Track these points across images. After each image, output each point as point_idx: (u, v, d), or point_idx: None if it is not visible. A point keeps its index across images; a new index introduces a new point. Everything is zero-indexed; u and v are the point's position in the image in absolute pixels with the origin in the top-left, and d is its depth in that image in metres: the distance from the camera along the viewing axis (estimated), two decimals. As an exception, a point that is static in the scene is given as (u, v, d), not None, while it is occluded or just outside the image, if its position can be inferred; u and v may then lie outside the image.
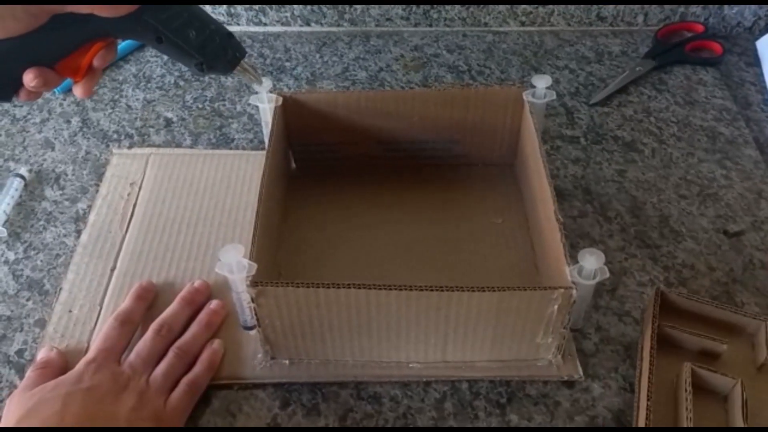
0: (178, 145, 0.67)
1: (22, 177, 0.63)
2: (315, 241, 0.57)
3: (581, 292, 0.44)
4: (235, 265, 0.44)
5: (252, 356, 0.50)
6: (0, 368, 0.50)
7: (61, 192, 0.63)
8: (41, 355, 0.49)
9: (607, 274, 0.44)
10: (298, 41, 0.80)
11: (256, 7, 0.80)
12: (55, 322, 0.52)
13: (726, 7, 0.79)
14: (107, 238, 0.58)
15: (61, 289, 0.54)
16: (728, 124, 0.69)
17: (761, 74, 0.75)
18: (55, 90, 0.73)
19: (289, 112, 0.57)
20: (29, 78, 0.43)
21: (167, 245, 0.57)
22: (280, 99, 0.56)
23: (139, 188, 0.62)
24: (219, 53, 0.46)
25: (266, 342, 0.48)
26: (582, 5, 0.80)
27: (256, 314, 0.45)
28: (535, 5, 0.80)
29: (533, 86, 0.56)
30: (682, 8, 0.80)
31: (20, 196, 0.62)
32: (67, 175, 0.64)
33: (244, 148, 0.67)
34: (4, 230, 0.58)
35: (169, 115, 0.71)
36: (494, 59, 0.78)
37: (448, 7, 0.80)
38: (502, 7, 0.80)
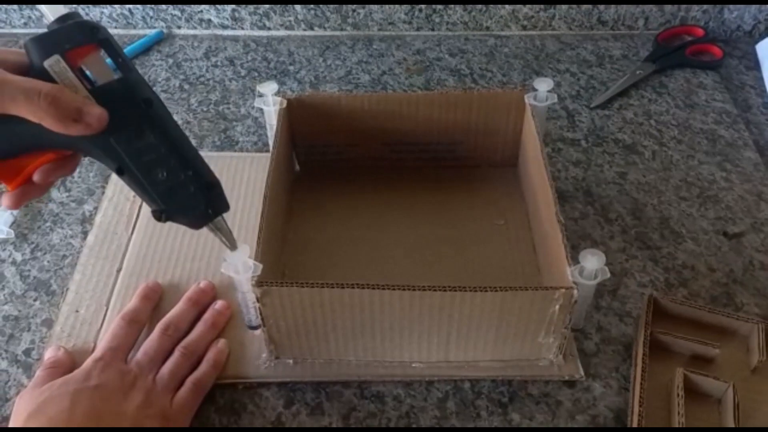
0: (183, 148, 0.67)
1: (29, 179, 0.63)
2: (319, 242, 0.58)
3: (582, 292, 0.44)
4: (240, 265, 0.44)
5: (256, 356, 0.50)
6: (8, 367, 0.51)
7: (67, 194, 0.63)
8: (49, 354, 0.50)
9: (608, 275, 0.44)
10: (301, 45, 0.81)
11: (260, 11, 0.81)
12: (62, 322, 0.53)
13: (726, 11, 0.80)
14: (113, 240, 0.59)
15: (68, 289, 0.55)
16: (728, 127, 0.70)
17: (761, 77, 0.76)
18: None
19: (294, 114, 0.58)
20: None
21: (173, 246, 0.58)
22: (285, 102, 0.56)
23: (145, 190, 0.63)
24: (187, 205, 0.38)
25: (271, 341, 0.48)
26: (583, 9, 0.80)
27: (260, 314, 0.45)
28: (537, 10, 0.80)
29: (535, 89, 0.56)
30: (682, 12, 0.80)
31: (27, 198, 0.62)
32: (73, 177, 0.65)
33: (248, 151, 0.67)
34: (12, 231, 0.59)
35: (174, 118, 0.71)
36: (496, 63, 0.78)
37: (450, 11, 0.80)
38: (503, 12, 0.81)
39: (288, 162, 0.60)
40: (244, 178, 0.64)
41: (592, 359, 0.51)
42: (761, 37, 0.81)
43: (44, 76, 0.35)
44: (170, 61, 0.79)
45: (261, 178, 0.50)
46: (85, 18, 0.36)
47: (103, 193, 0.63)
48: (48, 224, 0.61)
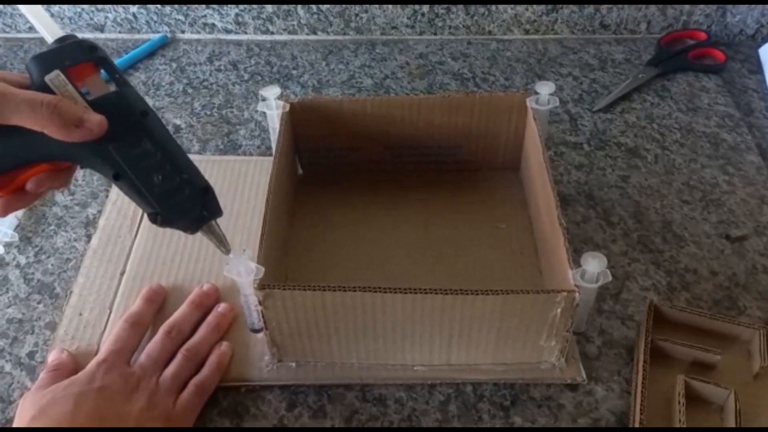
0: (187, 152, 0.67)
1: (34, 182, 0.64)
2: (321, 245, 0.58)
3: (584, 296, 0.44)
4: (243, 268, 0.45)
5: (259, 358, 0.50)
6: (12, 370, 0.51)
7: (71, 197, 0.64)
8: (52, 357, 0.50)
9: (610, 278, 0.44)
10: (304, 49, 0.82)
11: (264, 16, 0.81)
12: (65, 325, 0.53)
13: (729, 14, 0.80)
14: (117, 243, 0.59)
15: (71, 292, 0.55)
16: (731, 131, 0.70)
17: (764, 81, 0.76)
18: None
19: (297, 118, 0.58)
20: None
21: (176, 249, 0.58)
22: (288, 105, 0.57)
23: (149, 193, 0.63)
24: (183, 208, 0.40)
25: (273, 344, 0.48)
26: (586, 13, 0.80)
27: (263, 317, 0.46)
28: (539, 14, 0.80)
29: (537, 93, 0.56)
30: (684, 16, 0.80)
31: (32, 201, 0.63)
32: (77, 180, 0.65)
33: (251, 154, 0.68)
34: (16, 235, 0.59)
35: (178, 121, 0.72)
36: (498, 67, 0.79)
37: (452, 15, 0.81)
38: (506, 15, 0.81)
39: (291, 165, 0.61)
40: (248, 181, 0.64)
41: (594, 362, 0.51)
42: (764, 41, 0.81)
43: (45, 90, 0.37)
44: (174, 65, 0.79)
45: (264, 182, 0.51)
46: (82, 38, 0.39)
47: (107, 196, 0.63)
48: (52, 227, 0.61)
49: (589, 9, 0.80)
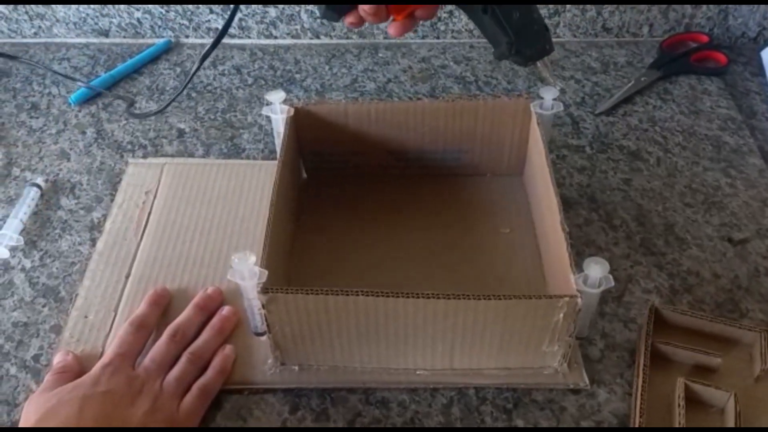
0: (191, 156, 0.68)
1: (39, 187, 0.64)
2: (325, 249, 0.58)
3: (586, 301, 0.45)
4: (246, 272, 0.45)
5: (262, 362, 0.51)
6: (17, 373, 0.51)
7: (76, 201, 0.64)
8: (58, 359, 0.50)
9: (612, 283, 0.44)
10: (307, 53, 0.82)
11: (267, 20, 0.81)
12: (71, 328, 0.53)
13: (731, 17, 0.80)
14: (122, 246, 0.59)
15: (77, 295, 0.56)
16: (733, 133, 0.70)
17: (766, 84, 0.76)
18: (70, 101, 0.74)
19: (301, 122, 0.58)
20: (366, 6, 0.47)
21: (181, 252, 0.58)
22: (292, 110, 0.57)
23: (154, 197, 0.63)
24: (532, 40, 0.49)
25: (276, 348, 0.48)
26: (588, 17, 0.81)
27: (266, 320, 0.46)
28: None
29: (541, 97, 0.57)
30: (686, 19, 0.81)
31: (36, 206, 0.63)
32: (82, 184, 0.66)
33: (255, 158, 0.68)
34: (21, 238, 0.60)
35: (182, 126, 0.72)
36: (501, 70, 0.79)
37: (455, 19, 0.81)
38: (508, 19, 0.81)
39: (295, 169, 0.61)
40: (252, 185, 0.64)
41: (597, 365, 0.51)
42: (766, 44, 0.81)
43: None
44: (178, 69, 0.80)
45: (268, 186, 0.51)
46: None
47: (111, 200, 0.64)
48: (57, 231, 0.61)
49: (591, 12, 0.80)
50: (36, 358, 0.52)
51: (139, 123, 0.72)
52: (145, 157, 0.68)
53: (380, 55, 0.82)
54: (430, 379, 0.50)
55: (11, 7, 0.81)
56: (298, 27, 0.82)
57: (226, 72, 0.79)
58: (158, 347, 0.49)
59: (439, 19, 0.81)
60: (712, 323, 0.51)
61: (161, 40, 0.83)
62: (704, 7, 0.79)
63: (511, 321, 0.45)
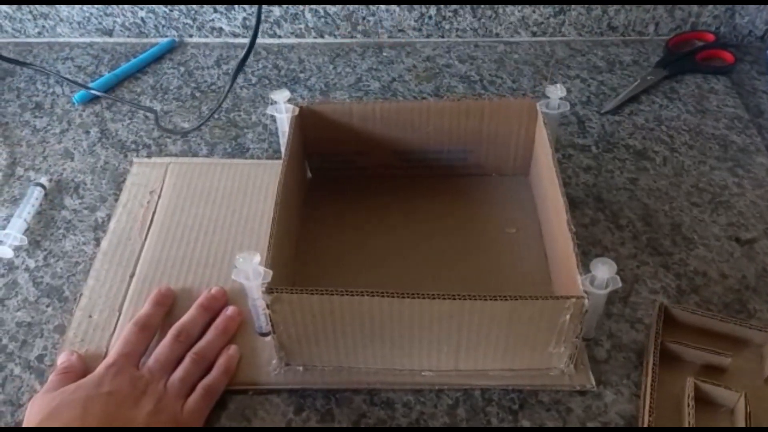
0: (195, 155, 0.68)
1: (43, 186, 0.64)
2: (330, 249, 0.58)
3: (593, 302, 0.44)
4: (251, 272, 0.45)
5: (267, 362, 0.50)
6: (21, 373, 0.51)
7: (80, 201, 0.64)
8: (62, 359, 0.50)
9: (619, 284, 0.44)
10: (312, 53, 0.82)
11: (271, 19, 0.81)
12: (75, 327, 0.53)
13: (737, 15, 0.79)
14: (127, 245, 0.59)
15: (81, 294, 0.56)
16: (740, 132, 0.69)
17: (773, 83, 0.76)
18: (74, 100, 0.74)
19: (306, 122, 0.58)
20: None
21: (185, 252, 0.58)
22: (297, 109, 0.57)
23: (159, 196, 0.63)
24: None
25: (281, 348, 0.48)
26: (593, 15, 0.80)
27: (271, 321, 0.46)
28: (547, 16, 0.80)
29: (547, 97, 0.56)
30: (693, 18, 0.80)
31: (40, 205, 0.63)
32: (86, 184, 0.66)
33: (259, 158, 0.68)
34: (25, 238, 0.60)
35: (186, 125, 0.72)
36: (506, 69, 0.78)
37: (459, 17, 0.81)
38: (513, 18, 0.81)
39: (300, 169, 0.61)
40: (256, 184, 0.64)
41: (603, 366, 0.50)
42: (773, 42, 0.80)
43: None
44: (182, 69, 0.80)
45: (272, 185, 0.51)
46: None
47: (115, 200, 0.63)
48: (61, 231, 0.61)
49: (597, 11, 0.80)
50: (40, 358, 0.52)
51: (143, 122, 0.72)
52: (149, 156, 0.68)
53: (384, 54, 0.81)
54: (436, 380, 0.49)
55: (15, 6, 0.81)
56: (302, 26, 0.82)
57: (230, 71, 0.79)
58: (162, 347, 0.49)
59: (444, 17, 0.81)
60: (723, 323, 0.50)
61: (165, 40, 0.83)
62: (711, 5, 0.79)
63: (517, 322, 0.45)
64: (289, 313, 0.45)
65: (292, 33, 0.83)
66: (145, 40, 0.83)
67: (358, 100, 0.75)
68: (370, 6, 0.80)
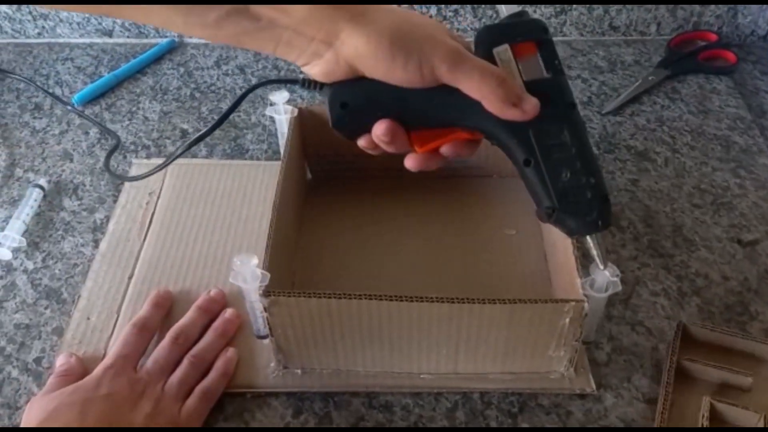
0: (194, 156, 0.68)
1: (41, 188, 0.64)
2: (329, 251, 0.58)
3: (593, 305, 0.44)
4: (248, 274, 0.44)
5: (265, 365, 0.50)
6: (19, 375, 0.51)
7: (79, 202, 0.64)
8: (60, 361, 0.50)
9: (620, 287, 0.44)
10: (312, 52, 0.81)
11: (271, 19, 0.81)
12: (73, 329, 0.53)
13: (740, 15, 0.79)
14: (125, 247, 0.59)
15: (79, 296, 0.55)
16: (742, 133, 0.69)
17: (776, 83, 0.75)
18: (73, 101, 0.74)
19: (305, 123, 0.58)
20: (380, 129, 0.40)
21: (184, 254, 0.58)
22: (296, 110, 0.57)
23: (158, 197, 0.63)
24: (580, 211, 0.40)
25: (279, 351, 0.48)
26: (595, 15, 0.80)
27: (268, 323, 0.45)
28: (548, 16, 0.80)
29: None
30: (695, 17, 0.80)
31: (39, 207, 0.63)
32: (85, 185, 0.65)
33: (258, 159, 0.68)
34: (23, 240, 0.60)
35: (185, 126, 0.72)
36: (507, 69, 0.78)
37: (460, 18, 0.80)
38: (514, 18, 0.80)
39: (299, 170, 0.60)
40: (255, 186, 0.64)
41: (604, 369, 0.50)
42: (776, 42, 0.80)
43: (489, 60, 0.38)
44: (181, 69, 0.79)
45: (271, 186, 0.51)
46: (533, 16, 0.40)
47: (114, 201, 0.63)
48: (59, 233, 0.61)
49: (599, 10, 0.80)
50: (38, 360, 0.52)
51: (142, 123, 0.72)
52: (148, 157, 0.68)
53: (385, 54, 0.81)
54: (435, 383, 0.49)
55: (15, 7, 0.81)
56: (302, 26, 0.82)
57: (229, 72, 0.79)
58: (161, 350, 0.49)
59: (445, 17, 0.80)
60: (744, 340, 0.49)
61: (165, 40, 0.82)
62: (713, 5, 0.78)
63: (517, 325, 0.44)
64: (287, 315, 0.45)
65: (292, 33, 0.83)
66: (144, 41, 0.83)
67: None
68: (371, 6, 0.79)
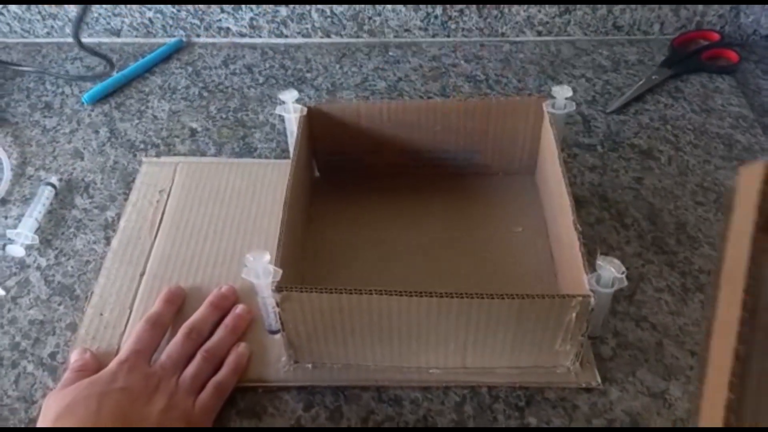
0: (203, 155, 0.69)
1: (53, 186, 0.65)
2: (338, 248, 0.58)
3: (599, 300, 0.45)
4: (260, 270, 0.45)
5: (276, 360, 0.51)
6: (34, 370, 0.52)
7: (90, 200, 0.65)
8: (75, 356, 0.51)
9: (625, 283, 0.44)
10: (318, 52, 0.82)
11: (278, 19, 0.82)
12: (86, 325, 0.54)
13: (742, 15, 0.80)
14: (137, 244, 0.60)
15: (92, 293, 0.56)
16: (745, 132, 0.70)
17: (778, 82, 0.76)
18: (83, 100, 0.75)
19: (314, 122, 0.59)
20: None
21: (195, 251, 0.59)
22: (305, 109, 0.57)
23: (168, 195, 0.64)
24: None
25: (290, 346, 0.49)
26: (598, 15, 0.81)
27: (280, 319, 0.46)
28: (552, 15, 0.81)
29: (553, 97, 0.57)
30: (698, 17, 0.80)
31: (51, 205, 0.64)
32: (96, 183, 0.66)
33: (266, 157, 0.68)
34: (36, 237, 0.60)
35: (194, 125, 0.73)
36: (511, 69, 0.79)
37: (465, 17, 0.81)
38: (519, 17, 0.81)
39: (308, 168, 0.61)
40: (264, 184, 0.65)
41: (609, 364, 0.51)
42: (778, 42, 0.80)
43: None
44: (189, 69, 0.80)
45: (281, 185, 0.51)
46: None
47: (125, 199, 0.64)
48: (71, 230, 0.62)
49: (602, 10, 0.80)
50: (52, 355, 0.53)
51: (151, 122, 0.73)
52: (158, 156, 0.69)
53: (390, 53, 0.82)
54: (443, 377, 0.50)
55: (24, 6, 0.82)
56: (308, 26, 0.83)
57: (237, 71, 0.80)
58: (174, 345, 0.50)
59: (450, 17, 0.81)
60: None
61: (173, 40, 0.83)
62: (716, 5, 0.79)
63: (524, 320, 0.45)
64: (298, 311, 0.45)
65: (298, 33, 0.84)
66: (152, 40, 0.84)
67: (366, 101, 0.75)
68: (377, 6, 0.80)
